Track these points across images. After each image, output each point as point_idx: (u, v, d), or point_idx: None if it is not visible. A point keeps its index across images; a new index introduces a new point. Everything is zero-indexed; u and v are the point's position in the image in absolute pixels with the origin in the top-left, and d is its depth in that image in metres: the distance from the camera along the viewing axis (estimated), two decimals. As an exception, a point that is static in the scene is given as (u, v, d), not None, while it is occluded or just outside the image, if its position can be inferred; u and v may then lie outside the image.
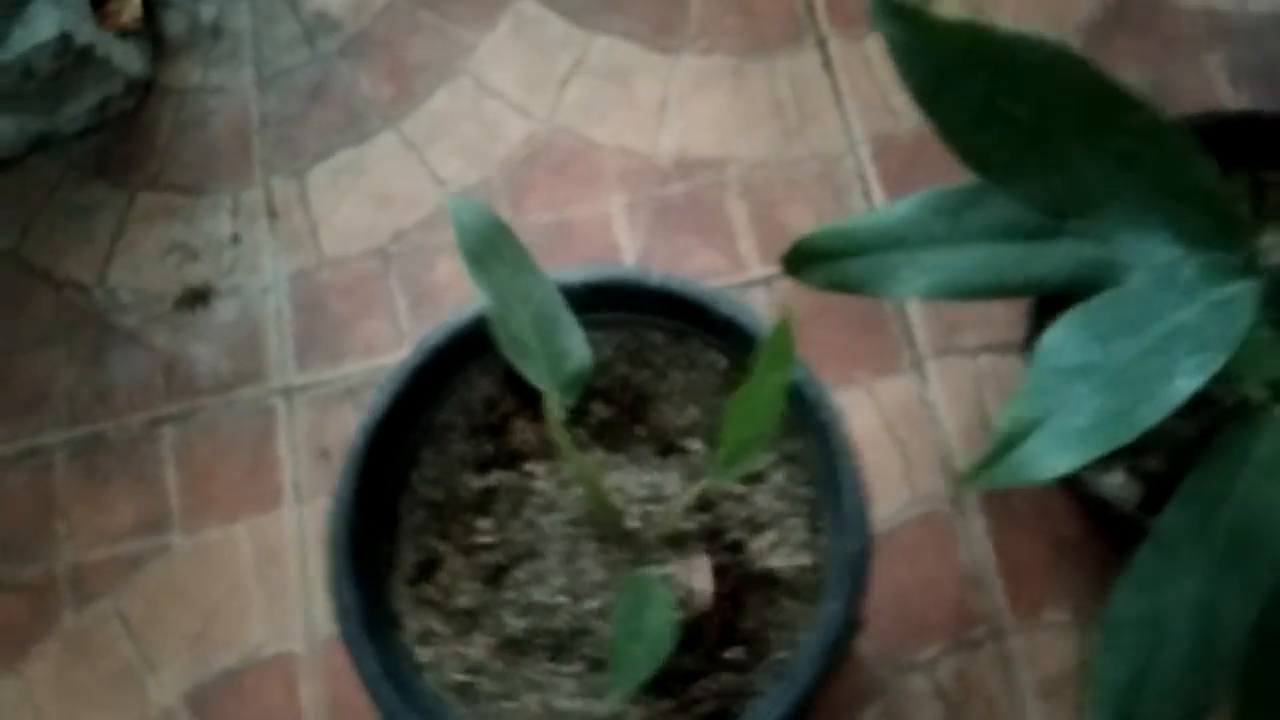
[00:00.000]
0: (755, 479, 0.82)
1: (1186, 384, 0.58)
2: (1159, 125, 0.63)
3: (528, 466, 0.83)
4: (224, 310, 1.15)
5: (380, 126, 1.22)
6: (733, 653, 0.77)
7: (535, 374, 0.72)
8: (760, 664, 0.77)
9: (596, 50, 1.23)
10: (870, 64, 1.19)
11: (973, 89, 0.61)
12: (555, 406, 0.71)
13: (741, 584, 0.79)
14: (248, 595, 1.04)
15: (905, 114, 1.15)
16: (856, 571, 0.76)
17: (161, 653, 1.03)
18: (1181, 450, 0.84)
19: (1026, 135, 0.63)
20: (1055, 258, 0.68)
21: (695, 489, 0.74)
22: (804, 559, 0.79)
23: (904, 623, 0.98)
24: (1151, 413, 0.57)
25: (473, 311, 0.83)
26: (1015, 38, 0.61)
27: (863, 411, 1.05)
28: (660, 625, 0.68)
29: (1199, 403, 0.58)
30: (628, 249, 1.15)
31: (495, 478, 0.83)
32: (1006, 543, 1.00)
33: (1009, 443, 0.58)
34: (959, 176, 0.66)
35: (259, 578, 1.05)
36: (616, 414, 0.85)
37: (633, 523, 0.76)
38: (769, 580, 0.79)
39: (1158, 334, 0.60)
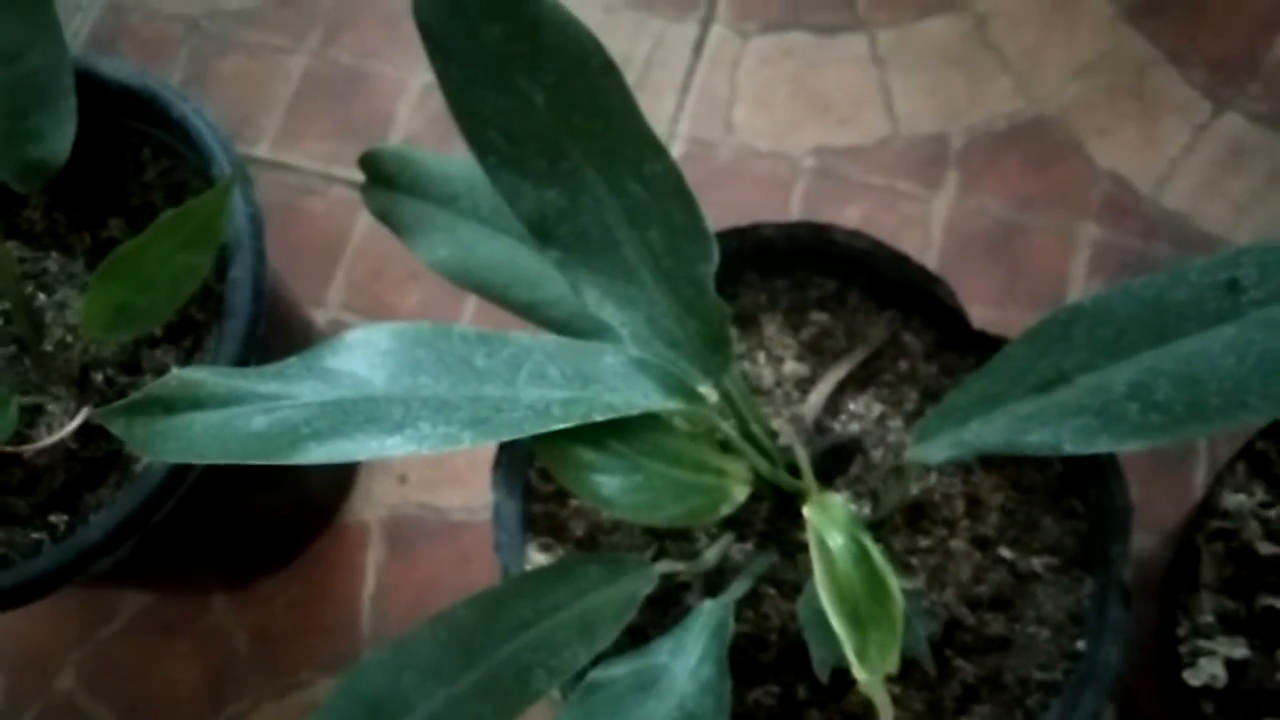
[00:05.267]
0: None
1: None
2: (679, 188, 0.52)
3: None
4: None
5: None
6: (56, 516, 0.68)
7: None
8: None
9: None
10: None
11: (488, 40, 0.51)
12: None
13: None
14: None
15: None
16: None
17: None
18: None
19: (536, 126, 0.52)
20: (559, 290, 0.58)
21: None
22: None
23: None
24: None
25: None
26: (551, 9, 0.50)
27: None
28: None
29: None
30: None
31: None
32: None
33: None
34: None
35: None
36: None
37: (49, 347, 0.67)
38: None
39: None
